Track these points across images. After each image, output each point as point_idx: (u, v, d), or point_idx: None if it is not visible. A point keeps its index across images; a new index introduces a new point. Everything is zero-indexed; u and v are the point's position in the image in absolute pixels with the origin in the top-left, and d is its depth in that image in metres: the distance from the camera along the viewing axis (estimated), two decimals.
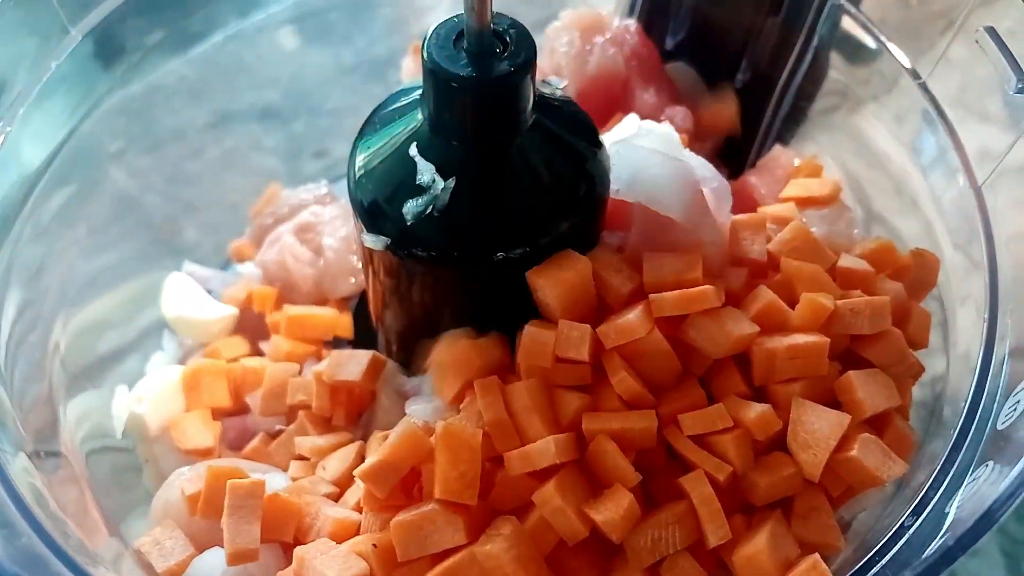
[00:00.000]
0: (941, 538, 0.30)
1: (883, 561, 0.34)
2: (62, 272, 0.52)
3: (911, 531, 0.35)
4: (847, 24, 0.54)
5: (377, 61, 0.69)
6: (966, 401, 0.38)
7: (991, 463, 0.33)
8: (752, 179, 0.55)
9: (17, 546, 0.33)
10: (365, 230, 0.41)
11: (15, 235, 0.47)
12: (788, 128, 0.59)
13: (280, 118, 0.69)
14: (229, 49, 0.61)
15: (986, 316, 0.41)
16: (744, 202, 0.53)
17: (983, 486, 0.32)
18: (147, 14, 0.54)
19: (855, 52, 0.54)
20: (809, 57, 0.55)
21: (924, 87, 0.49)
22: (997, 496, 0.29)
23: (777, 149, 0.56)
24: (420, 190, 0.39)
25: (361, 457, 0.44)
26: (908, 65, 0.50)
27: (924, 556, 0.30)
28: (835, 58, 0.56)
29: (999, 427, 0.35)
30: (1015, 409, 0.35)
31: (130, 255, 0.60)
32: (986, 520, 0.28)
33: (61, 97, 0.50)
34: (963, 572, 0.57)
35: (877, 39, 0.52)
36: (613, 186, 0.42)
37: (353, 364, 0.46)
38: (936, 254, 0.47)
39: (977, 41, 0.44)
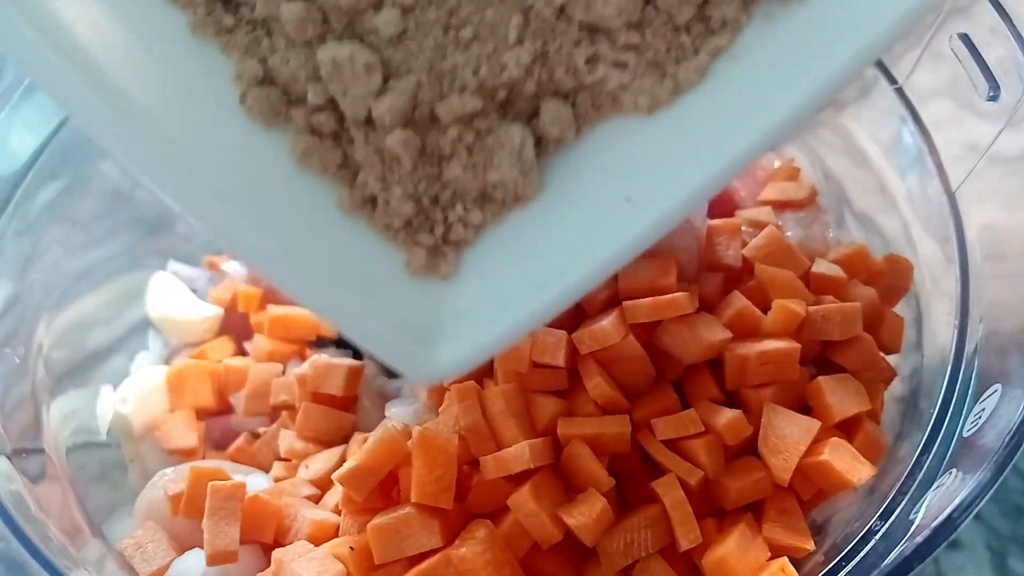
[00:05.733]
0: (903, 544, 0.31)
1: (849, 567, 0.34)
2: (48, 269, 0.51)
3: (878, 535, 0.35)
4: None
5: None
6: (934, 408, 0.39)
7: (955, 471, 0.34)
8: (732, 182, 0.55)
9: None
10: None
11: (0, 230, 0.47)
12: None
13: None
14: None
15: (956, 323, 0.41)
16: (724, 204, 0.53)
17: (946, 494, 0.32)
18: None
19: None
20: None
21: (900, 91, 0.49)
22: (957, 504, 0.29)
23: None
24: None
25: (343, 459, 0.45)
26: (885, 67, 0.50)
27: (887, 561, 0.30)
28: None
29: (965, 435, 0.36)
30: (980, 417, 0.35)
31: (119, 251, 0.59)
32: (946, 528, 0.29)
33: None
34: (949, 567, 0.55)
35: None
36: None
37: (334, 377, 0.47)
38: (913, 252, 0.47)
39: (952, 49, 0.44)
